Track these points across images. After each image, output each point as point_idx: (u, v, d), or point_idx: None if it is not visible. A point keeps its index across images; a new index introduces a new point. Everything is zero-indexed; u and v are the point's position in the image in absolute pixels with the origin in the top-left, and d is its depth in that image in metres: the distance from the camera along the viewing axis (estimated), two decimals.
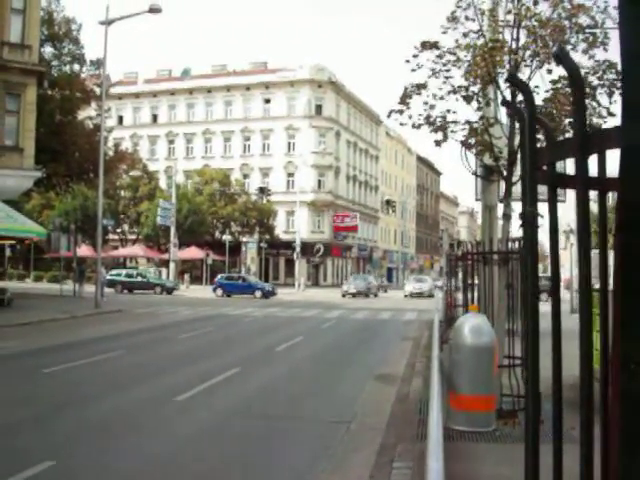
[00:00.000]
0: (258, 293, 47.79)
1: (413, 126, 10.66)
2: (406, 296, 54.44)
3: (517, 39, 9.80)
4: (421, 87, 10.23)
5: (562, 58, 1.52)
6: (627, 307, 1.63)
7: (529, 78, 9.58)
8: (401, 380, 12.88)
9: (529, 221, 1.71)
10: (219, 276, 52.24)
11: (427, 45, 9.69)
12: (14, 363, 15.07)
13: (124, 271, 54.48)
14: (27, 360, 15.43)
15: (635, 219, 1.52)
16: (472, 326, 7.79)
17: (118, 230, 68.74)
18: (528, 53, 9.84)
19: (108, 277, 50.71)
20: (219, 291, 49.06)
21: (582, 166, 1.44)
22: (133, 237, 69.62)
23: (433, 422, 3.10)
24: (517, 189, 19.05)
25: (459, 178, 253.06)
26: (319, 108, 74.50)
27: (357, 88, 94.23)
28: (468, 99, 9.96)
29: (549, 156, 1.62)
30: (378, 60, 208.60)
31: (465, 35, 9.75)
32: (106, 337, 20.49)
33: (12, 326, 22.54)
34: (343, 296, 51.50)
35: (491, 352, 7.80)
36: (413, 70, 9.97)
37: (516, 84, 1.84)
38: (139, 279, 50.83)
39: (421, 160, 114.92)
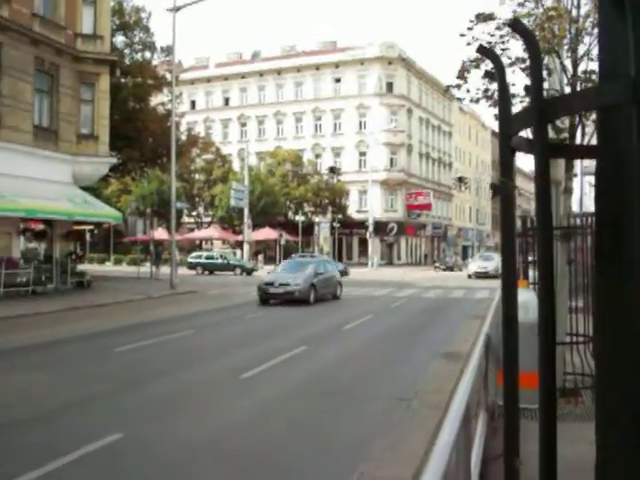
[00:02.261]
0: None
1: (471, 100, 10.50)
2: (470, 276, 48.35)
3: (578, 6, 9.51)
4: (479, 61, 10.05)
5: (514, 25, 1.48)
6: (600, 273, 1.61)
7: (589, 49, 9.27)
8: (466, 358, 12.78)
9: (502, 192, 1.68)
10: (292, 256, 52.62)
11: (481, 17, 9.49)
12: (90, 342, 15.61)
13: (204, 253, 55.69)
14: (102, 339, 15.97)
15: (607, 188, 1.48)
16: (519, 302, 7.62)
17: (193, 213, 70.02)
18: (590, 21, 9.52)
19: (189, 260, 52.30)
20: None
21: (540, 133, 1.41)
22: (208, 219, 70.72)
23: (458, 396, 3.09)
24: (585, 163, 18.51)
25: None
26: (390, 85, 73.82)
27: (428, 64, 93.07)
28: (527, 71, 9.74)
29: (518, 124, 1.59)
30: (448, 34, 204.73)
31: (521, 5, 9.50)
32: (178, 317, 21.01)
33: (90, 307, 23.33)
34: (263, 302, 25.18)
35: None
36: (468, 44, 9.77)
37: (484, 53, 1.80)
38: (219, 261, 51.83)
39: (496, 135, 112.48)
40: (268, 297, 25.34)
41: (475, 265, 51.16)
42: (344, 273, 47.98)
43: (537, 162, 1.42)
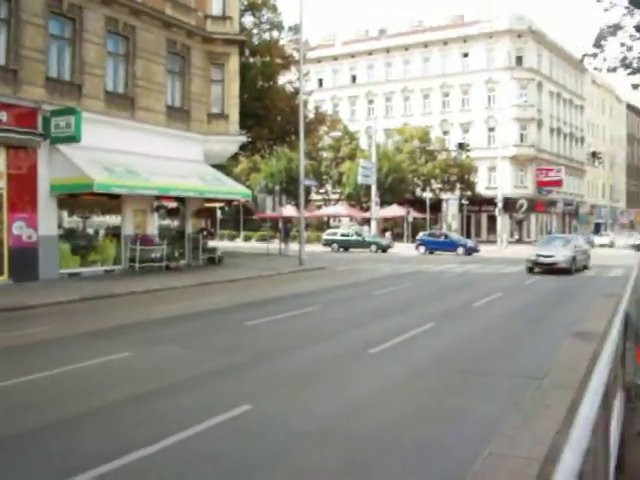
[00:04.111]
0: (460, 250, 47.27)
1: (608, 70, 10.02)
2: (530, 269, 29.65)
3: None
4: (616, 28, 9.52)
5: None
6: None
7: None
8: (600, 338, 12.23)
9: None
10: (421, 233, 52.28)
11: None
12: (221, 316, 16.06)
13: (339, 230, 56.40)
14: (233, 313, 16.41)
15: None
16: None
17: (321, 190, 70.54)
18: None
19: (324, 237, 54.08)
20: (421, 248, 49.17)
21: None
22: (336, 197, 71.10)
23: (598, 371, 2.92)
24: None
25: None
26: (519, 59, 71.38)
27: (559, 35, 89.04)
28: None
29: None
30: (580, 2, 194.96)
31: None
32: (306, 293, 21.27)
33: (221, 282, 24.01)
34: None
35: None
36: (606, 10, 9.26)
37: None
38: (354, 238, 52.18)
39: (632, 109, 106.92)
40: None
41: (534, 253, 30.51)
42: (474, 250, 47.18)
43: None
